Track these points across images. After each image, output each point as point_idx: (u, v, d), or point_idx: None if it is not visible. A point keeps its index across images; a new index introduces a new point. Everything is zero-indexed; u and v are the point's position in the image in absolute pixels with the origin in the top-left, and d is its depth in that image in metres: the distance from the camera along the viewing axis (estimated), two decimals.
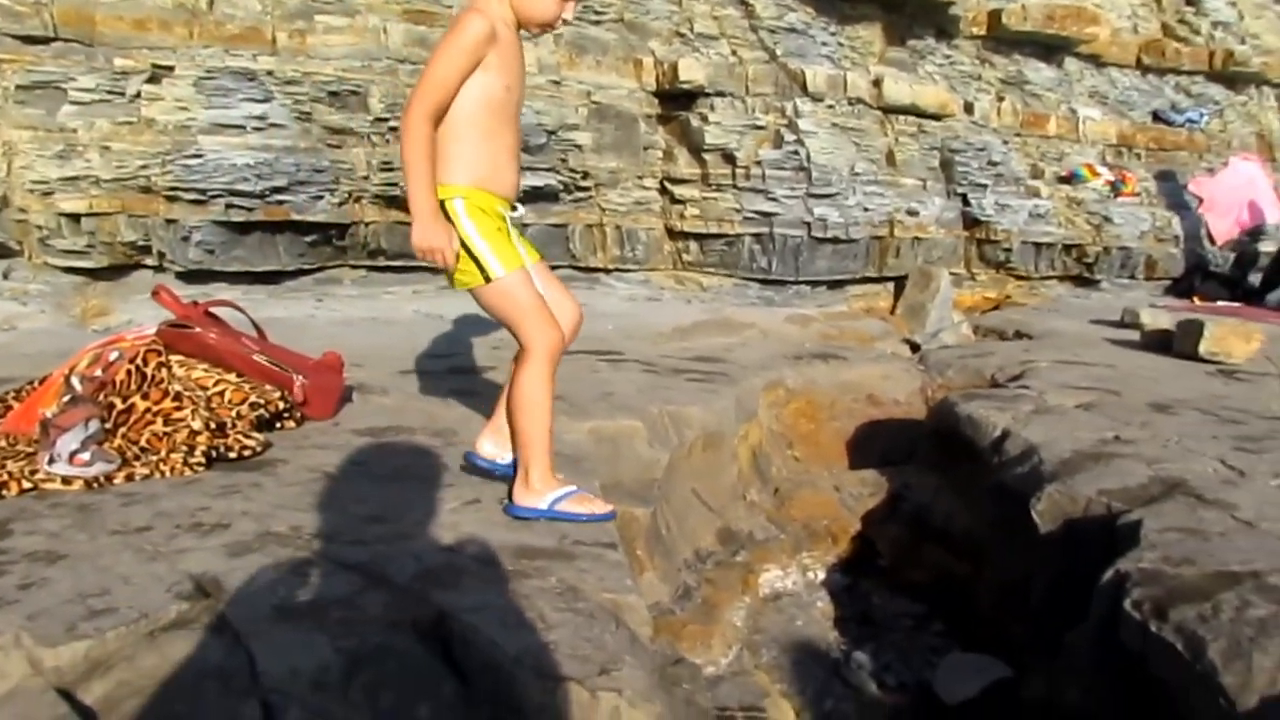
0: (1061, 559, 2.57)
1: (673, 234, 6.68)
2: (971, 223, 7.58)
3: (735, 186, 6.52)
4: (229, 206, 5.06)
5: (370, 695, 1.41)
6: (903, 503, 3.90)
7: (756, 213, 6.51)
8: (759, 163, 6.48)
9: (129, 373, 2.46)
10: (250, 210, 5.11)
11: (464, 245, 2.05)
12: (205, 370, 2.69)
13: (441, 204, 2.03)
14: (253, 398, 2.65)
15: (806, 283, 6.86)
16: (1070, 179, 8.23)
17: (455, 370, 3.82)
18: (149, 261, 5.13)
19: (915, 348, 6.12)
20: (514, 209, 2.20)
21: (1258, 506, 2.38)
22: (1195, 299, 8.16)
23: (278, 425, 2.74)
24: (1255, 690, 1.63)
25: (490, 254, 2.05)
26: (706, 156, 6.52)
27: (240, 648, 1.42)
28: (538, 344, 2.04)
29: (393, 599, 1.62)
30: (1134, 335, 5.67)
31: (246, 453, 2.44)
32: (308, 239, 5.44)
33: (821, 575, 3.61)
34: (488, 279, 2.06)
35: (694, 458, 3.38)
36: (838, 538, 3.78)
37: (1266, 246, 8.68)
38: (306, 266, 5.54)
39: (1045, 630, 2.56)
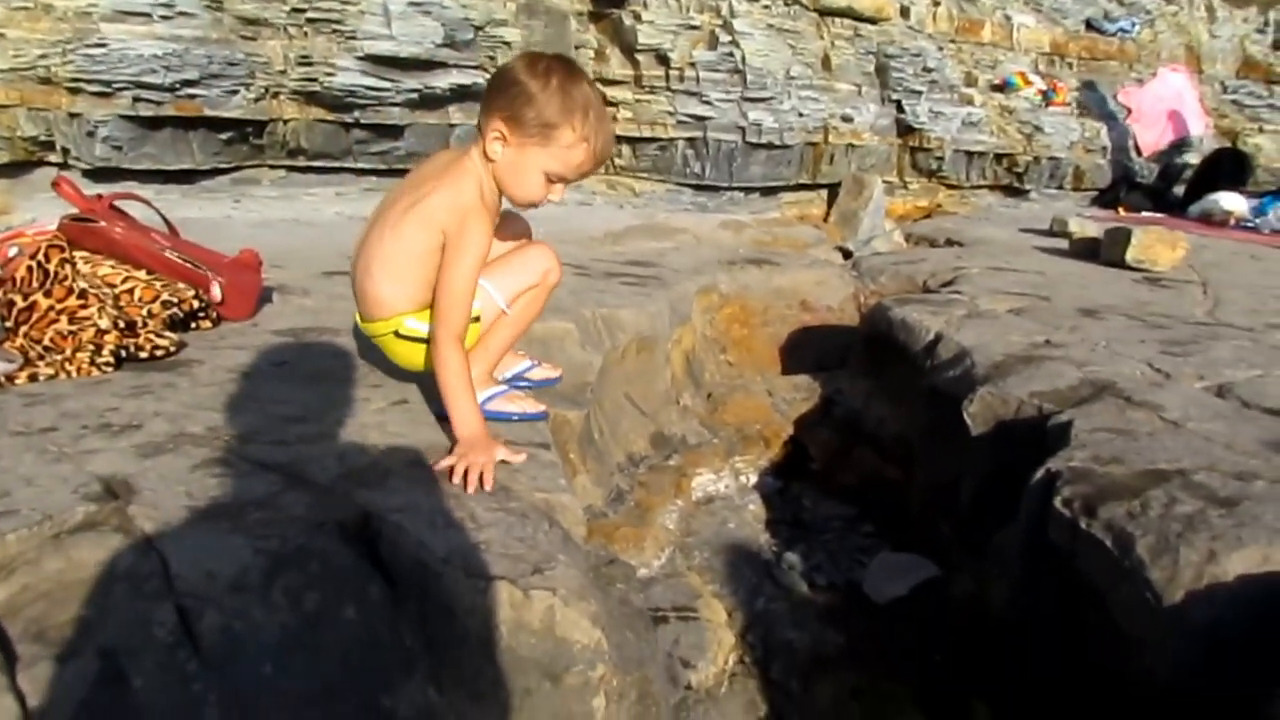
0: (992, 461, 2.59)
1: None
2: (905, 130, 7.55)
3: (669, 89, 6.39)
4: (136, 100, 4.79)
5: (293, 598, 1.35)
6: (835, 407, 3.91)
7: (690, 116, 6.40)
8: (693, 64, 6.34)
9: (29, 269, 2.31)
10: (159, 105, 4.85)
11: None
12: (112, 267, 2.54)
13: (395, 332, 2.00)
14: (165, 296, 2.51)
15: (740, 189, 6.80)
16: (1003, 87, 8.24)
17: None
18: (53, 159, 4.86)
19: (848, 255, 6.12)
20: None
21: (1184, 407, 2.41)
22: (1120, 210, 8.30)
23: (192, 325, 2.60)
24: (1181, 585, 1.65)
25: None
26: (639, 57, 6.36)
27: (152, 551, 1.34)
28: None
29: (315, 500, 1.55)
30: (1062, 244, 5.74)
31: (159, 353, 2.31)
32: (222, 136, 5.19)
33: (753, 479, 3.62)
34: (476, 319, 2.00)
35: (627, 361, 3.33)
36: (770, 442, 3.79)
37: (1191, 159, 8.82)
38: (222, 166, 5.30)
39: (974, 531, 2.59)
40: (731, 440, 3.71)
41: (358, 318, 2.10)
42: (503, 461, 1.79)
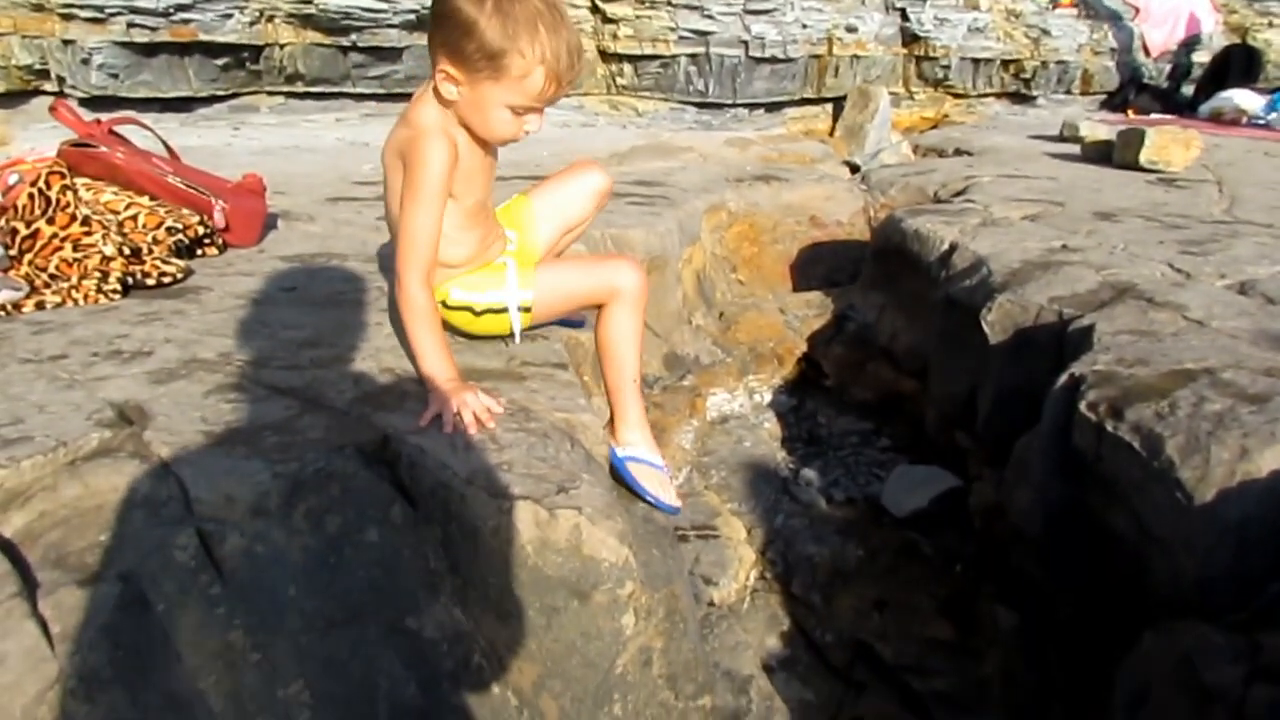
0: (1011, 369, 2.56)
1: (605, 56, 6.39)
2: (910, 39, 7.38)
3: (670, 4, 6.23)
4: (130, 26, 4.69)
5: (315, 521, 1.33)
6: (847, 323, 3.87)
7: (692, 31, 6.25)
8: None
9: (31, 196, 2.26)
10: (154, 30, 4.75)
11: (485, 312, 1.87)
12: (115, 194, 2.48)
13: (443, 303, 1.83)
14: (169, 222, 2.46)
15: (744, 105, 6.67)
16: None
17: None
18: (49, 87, 4.78)
19: (855, 169, 6.02)
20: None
21: (1207, 306, 2.37)
22: (1129, 112, 8.13)
23: (198, 253, 2.56)
24: (1212, 483, 1.62)
25: (503, 294, 1.85)
26: None
27: (170, 476, 1.32)
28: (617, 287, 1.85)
29: (333, 423, 1.53)
30: (1073, 149, 5.63)
31: (166, 279, 2.28)
32: (219, 62, 5.09)
33: (768, 397, 3.60)
34: (526, 309, 1.86)
35: None
36: (783, 359, 3.76)
37: (1200, 57, 8.63)
38: (220, 93, 5.21)
39: (994, 440, 2.57)
40: (745, 359, 3.68)
41: None
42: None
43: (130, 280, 2.20)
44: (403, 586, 1.40)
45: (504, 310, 1.85)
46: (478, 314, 1.87)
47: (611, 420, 1.91)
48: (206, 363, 1.77)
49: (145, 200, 2.52)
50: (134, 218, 2.44)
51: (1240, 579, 1.61)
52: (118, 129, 2.70)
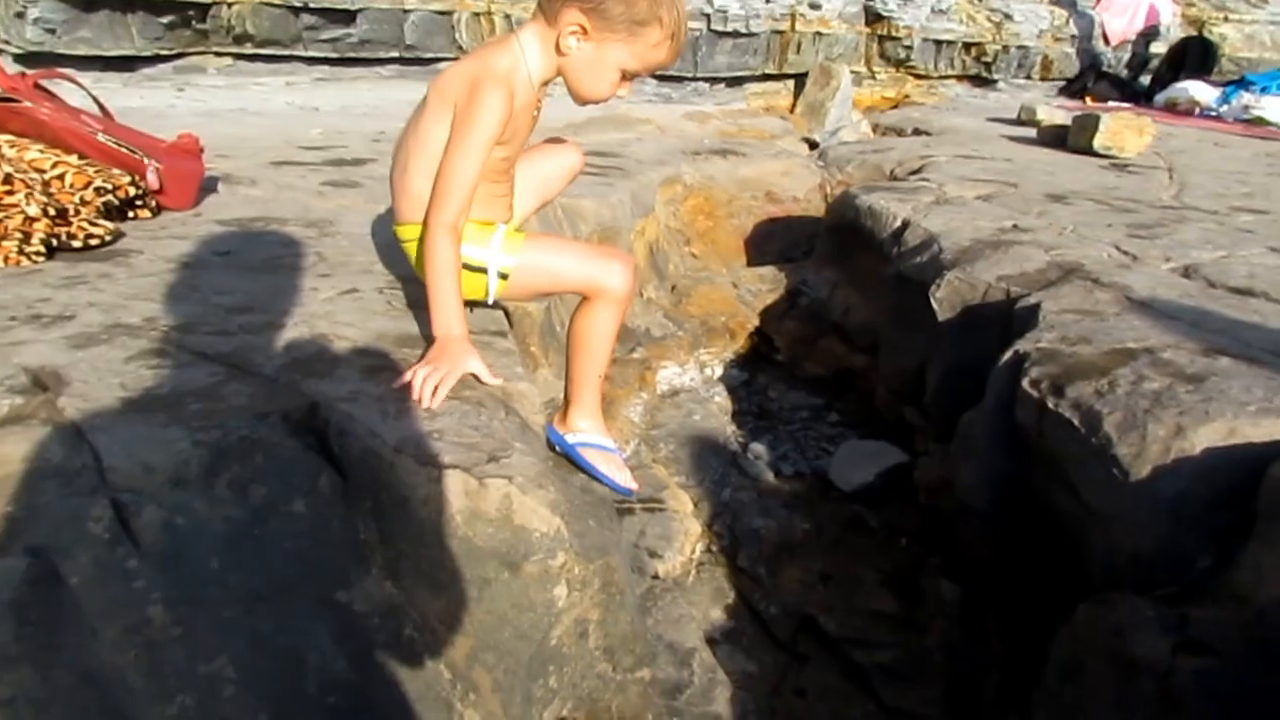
0: (959, 346, 2.57)
1: None
2: (874, 18, 7.37)
3: None
4: None
5: (239, 490, 1.30)
6: (800, 298, 3.87)
7: None
8: None
9: None
10: None
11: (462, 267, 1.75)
12: (40, 151, 2.39)
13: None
14: (98, 182, 2.38)
15: (705, 79, 6.64)
16: None
17: (333, 162, 3.57)
18: None
19: (814, 146, 6.01)
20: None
21: (1151, 288, 2.39)
22: (1087, 99, 8.20)
23: (130, 215, 2.48)
24: (1148, 460, 1.63)
25: (485, 252, 1.77)
26: None
27: (84, 445, 1.27)
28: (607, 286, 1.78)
29: (259, 390, 1.48)
30: (1030, 132, 5.67)
31: (93, 241, 2.20)
32: (163, 20, 4.95)
33: (719, 371, 3.59)
34: (504, 275, 1.78)
35: None
36: (735, 333, 3.75)
37: (1158, 48, 8.73)
38: (164, 52, 5.07)
39: (941, 416, 2.58)
40: (697, 332, 3.67)
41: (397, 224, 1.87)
42: (473, 377, 1.63)
43: (55, 242, 2.12)
44: (332, 558, 1.37)
45: (481, 270, 1.78)
46: None
47: (565, 406, 1.88)
48: (130, 328, 1.71)
49: (74, 159, 2.43)
50: (61, 177, 2.35)
51: (1173, 553, 1.63)
52: (45, 84, 2.61)
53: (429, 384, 1.54)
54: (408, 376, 1.56)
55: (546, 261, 1.81)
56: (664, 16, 1.61)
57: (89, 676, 1.18)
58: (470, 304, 1.84)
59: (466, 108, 1.64)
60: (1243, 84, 7.47)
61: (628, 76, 1.70)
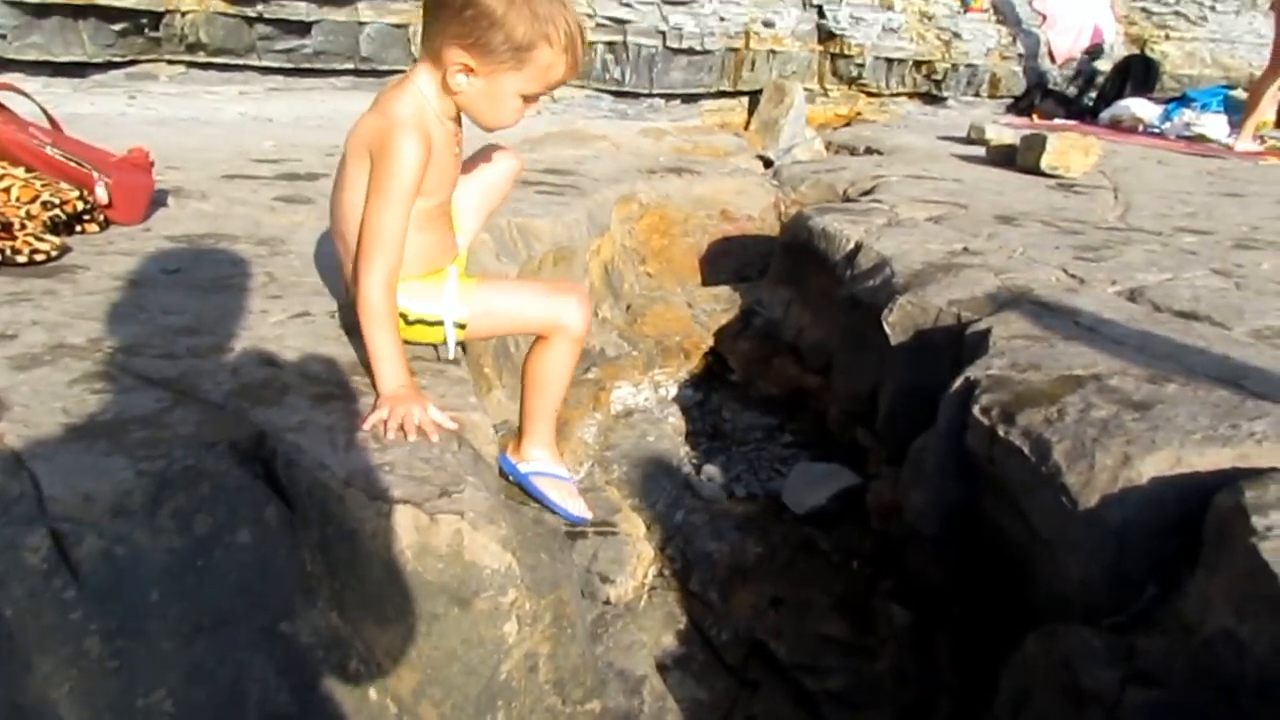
0: (911, 369, 2.59)
1: None
2: (826, 36, 7.45)
3: None
4: None
5: (182, 521, 1.27)
6: (754, 318, 3.88)
7: (610, 19, 6.21)
8: None
9: None
10: None
11: (417, 321, 1.77)
12: None
13: None
14: (45, 196, 2.33)
15: (661, 96, 6.66)
16: None
17: (285, 176, 3.52)
18: None
19: (768, 163, 6.04)
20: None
21: (1098, 312, 2.42)
22: (1034, 116, 8.35)
23: (77, 229, 2.43)
24: (1096, 489, 1.65)
25: (439, 305, 1.76)
26: None
27: (23, 471, 1.23)
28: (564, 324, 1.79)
29: (206, 417, 1.45)
30: (979, 151, 5.75)
31: (38, 257, 2.15)
32: (116, 27, 4.87)
33: (673, 391, 3.59)
34: (460, 325, 1.77)
35: (544, 272, 3.24)
36: (690, 353, 3.75)
37: (1103, 66, 8.91)
38: (116, 59, 4.99)
39: (893, 439, 2.59)
40: (651, 352, 3.66)
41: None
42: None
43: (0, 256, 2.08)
44: (277, 590, 1.34)
45: (437, 323, 1.77)
46: (410, 322, 1.77)
47: (520, 435, 1.86)
48: (75, 349, 1.67)
49: (20, 172, 2.38)
50: (6, 190, 2.30)
51: (1120, 582, 1.64)
52: None
53: (393, 422, 1.52)
54: (373, 421, 1.53)
55: (502, 305, 1.80)
56: (551, 34, 1.57)
57: (21, 709, 1.15)
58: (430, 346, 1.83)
59: (380, 159, 1.61)
60: (1184, 101, 7.66)
61: (531, 98, 1.66)
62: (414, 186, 1.61)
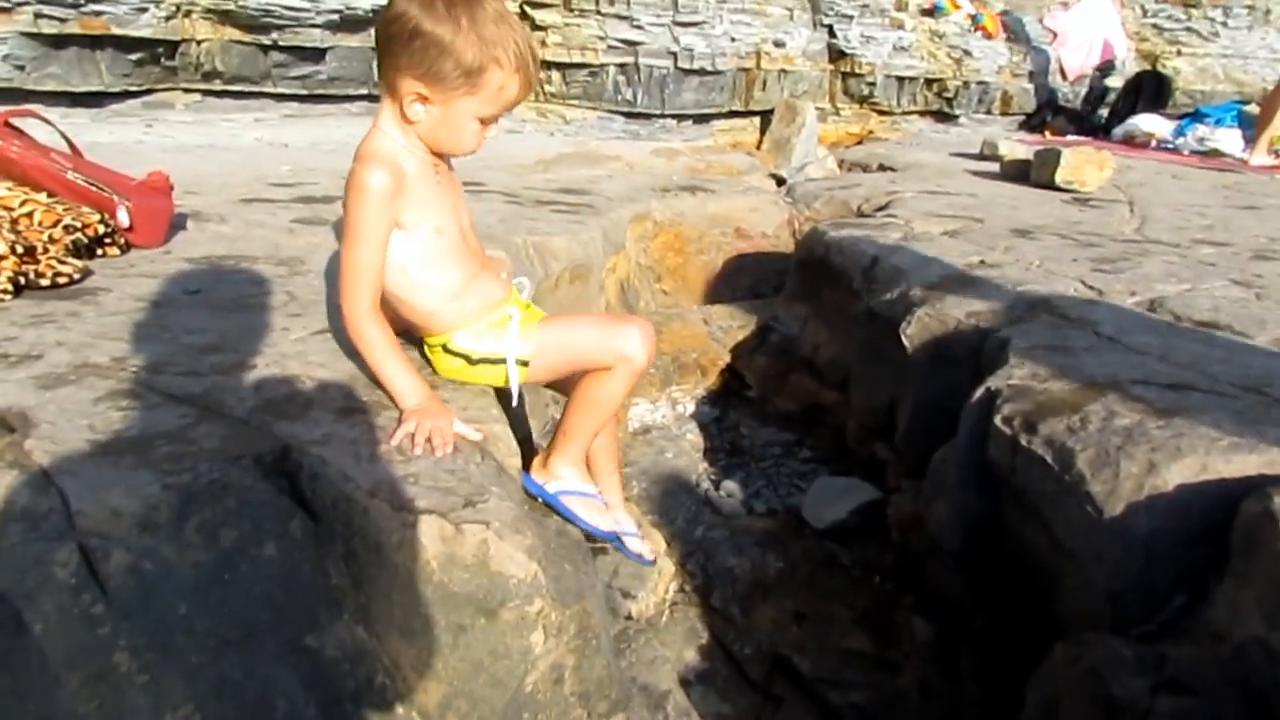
0: (930, 382, 2.58)
1: None
2: (837, 55, 7.47)
3: (599, 13, 6.22)
4: (38, 16, 4.52)
5: (208, 535, 1.27)
6: (771, 334, 3.88)
7: (621, 41, 6.24)
8: None
9: None
10: (64, 21, 4.58)
11: (481, 361, 1.78)
12: (9, 189, 2.36)
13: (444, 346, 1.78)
14: (67, 220, 2.35)
15: (673, 116, 6.68)
16: (932, 11, 8.18)
17: (302, 199, 3.54)
18: None
19: (781, 182, 6.06)
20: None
21: (1117, 322, 2.41)
22: (1046, 133, 8.35)
23: (98, 253, 2.45)
24: (1121, 497, 1.64)
25: (500, 344, 1.76)
26: None
27: (51, 487, 1.24)
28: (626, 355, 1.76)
29: (231, 432, 1.46)
30: (993, 167, 5.75)
31: (61, 280, 2.17)
32: (132, 57, 4.93)
33: (691, 408, 3.59)
34: (523, 363, 1.77)
35: (560, 290, 3.25)
36: (706, 370, 3.75)
37: (1114, 82, 8.91)
38: (133, 88, 5.04)
39: (913, 452, 2.58)
40: (668, 369, 3.66)
41: None
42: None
43: (23, 280, 2.09)
44: (302, 603, 1.34)
45: (501, 361, 1.77)
46: (473, 363, 1.78)
47: (549, 451, 1.86)
48: (99, 368, 1.68)
49: (42, 197, 2.41)
50: (29, 215, 2.32)
51: (1147, 591, 1.63)
52: (15, 121, 2.58)
53: (420, 435, 1.52)
54: (394, 443, 1.53)
55: (565, 339, 1.79)
56: (500, 56, 1.57)
57: None
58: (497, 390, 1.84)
59: (346, 195, 1.63)
60: (1197, 116, 7.64)
61: (489, 120, 1.67)
62: (379, 218, 1.62)
